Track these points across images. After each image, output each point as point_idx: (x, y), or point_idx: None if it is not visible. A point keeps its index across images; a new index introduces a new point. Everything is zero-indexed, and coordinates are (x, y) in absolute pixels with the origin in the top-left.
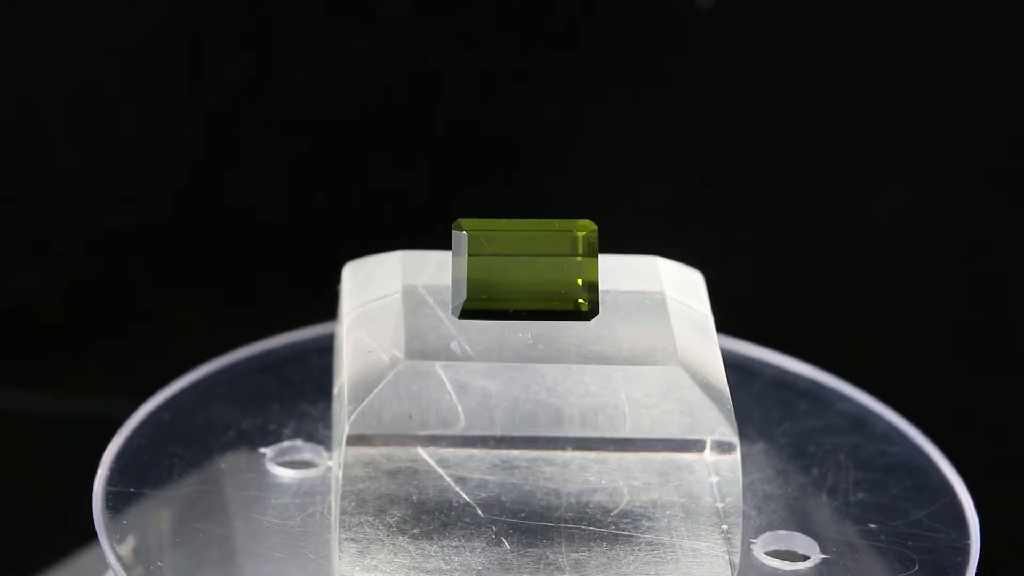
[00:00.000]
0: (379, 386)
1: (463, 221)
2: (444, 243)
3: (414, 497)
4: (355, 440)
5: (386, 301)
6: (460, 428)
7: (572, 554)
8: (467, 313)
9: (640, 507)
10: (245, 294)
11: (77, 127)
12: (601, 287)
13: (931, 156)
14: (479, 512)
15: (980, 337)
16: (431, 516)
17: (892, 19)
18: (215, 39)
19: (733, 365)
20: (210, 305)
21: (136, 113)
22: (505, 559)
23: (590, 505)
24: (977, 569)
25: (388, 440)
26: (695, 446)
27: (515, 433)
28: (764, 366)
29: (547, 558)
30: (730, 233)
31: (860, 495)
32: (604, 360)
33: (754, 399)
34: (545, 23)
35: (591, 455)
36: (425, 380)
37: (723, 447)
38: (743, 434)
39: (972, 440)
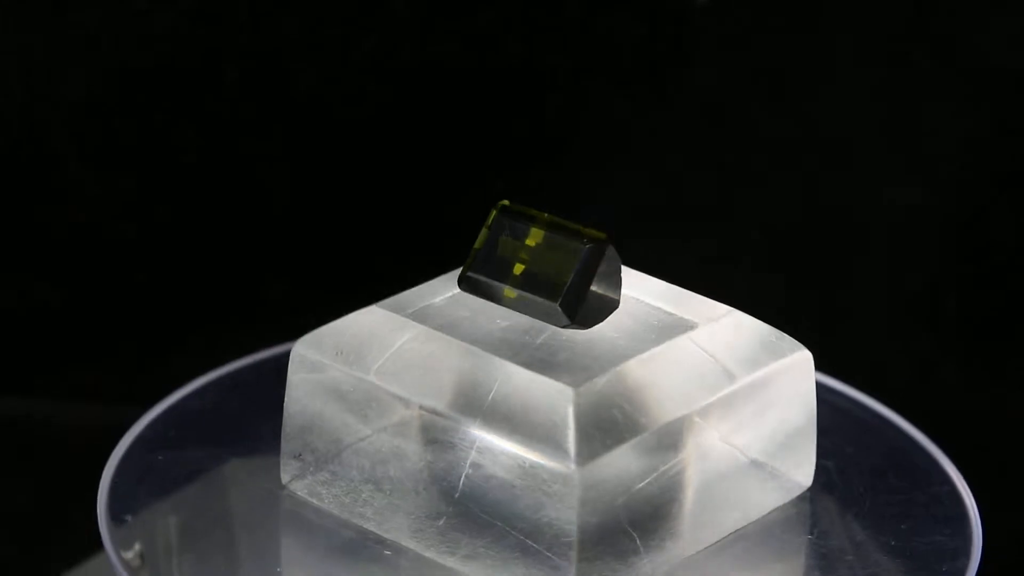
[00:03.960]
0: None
1: (504, 202)
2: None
3: (425, 463)
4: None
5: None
6: (374, 375)
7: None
8: (462, 282)
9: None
10: (249, 301)
11: (84, 138)
12: (635, 307)
13: (932, 154)
14: (457, 494)
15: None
16: (413, 480)
17: (890, 16)
18: (217, 45)
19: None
20: (216, 312)
21: (138, 124)
22: (422, 530)
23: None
24: None
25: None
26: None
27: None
28: (918, 453)
29: (457, 543)
30: (731, 232)
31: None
32: (527, 364)
33: (871, 471)
34: (548, 24)
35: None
36: (378, 329)
37: (561, 478)
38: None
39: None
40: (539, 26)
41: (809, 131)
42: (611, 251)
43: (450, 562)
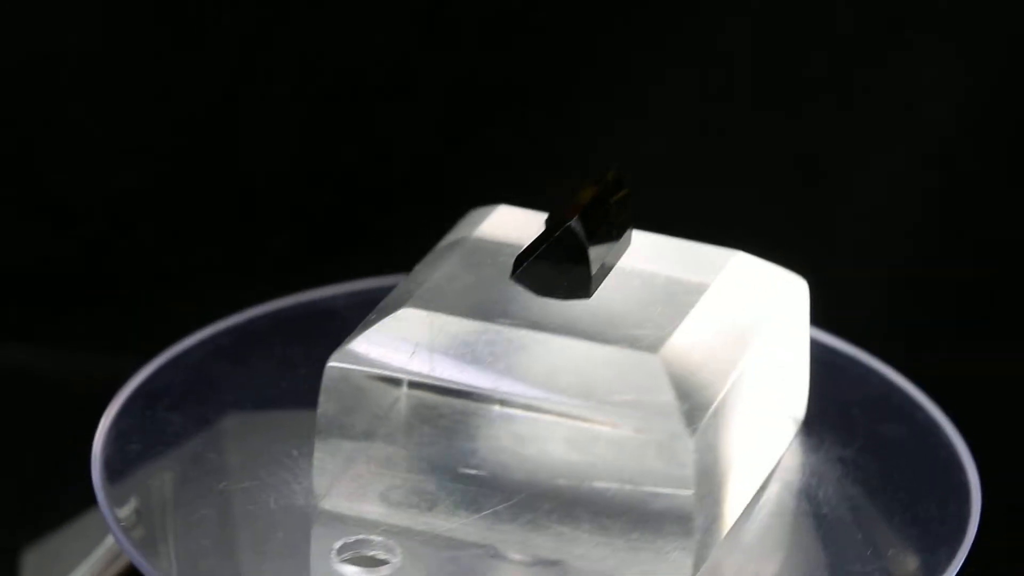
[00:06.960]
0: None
1: (611, 174)
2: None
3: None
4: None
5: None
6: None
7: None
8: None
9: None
10: (252, 254)
11: (87, 87)
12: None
13: (924, 121)
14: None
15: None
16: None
17: None
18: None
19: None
20: (218, 264)
21: (140, 69)
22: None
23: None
24: None
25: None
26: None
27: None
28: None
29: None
30: (725, 191)
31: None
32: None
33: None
34: None
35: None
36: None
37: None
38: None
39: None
40: None
41: (807, 93)
42: (572, 230)
43: None
